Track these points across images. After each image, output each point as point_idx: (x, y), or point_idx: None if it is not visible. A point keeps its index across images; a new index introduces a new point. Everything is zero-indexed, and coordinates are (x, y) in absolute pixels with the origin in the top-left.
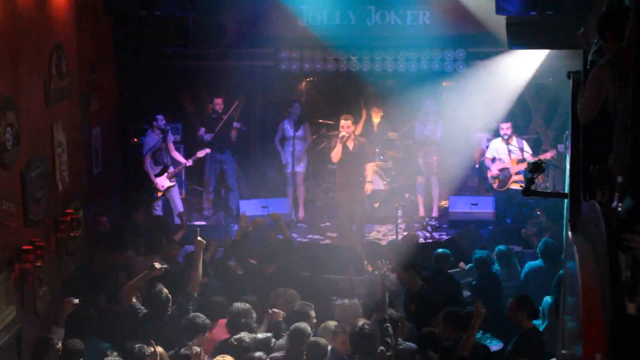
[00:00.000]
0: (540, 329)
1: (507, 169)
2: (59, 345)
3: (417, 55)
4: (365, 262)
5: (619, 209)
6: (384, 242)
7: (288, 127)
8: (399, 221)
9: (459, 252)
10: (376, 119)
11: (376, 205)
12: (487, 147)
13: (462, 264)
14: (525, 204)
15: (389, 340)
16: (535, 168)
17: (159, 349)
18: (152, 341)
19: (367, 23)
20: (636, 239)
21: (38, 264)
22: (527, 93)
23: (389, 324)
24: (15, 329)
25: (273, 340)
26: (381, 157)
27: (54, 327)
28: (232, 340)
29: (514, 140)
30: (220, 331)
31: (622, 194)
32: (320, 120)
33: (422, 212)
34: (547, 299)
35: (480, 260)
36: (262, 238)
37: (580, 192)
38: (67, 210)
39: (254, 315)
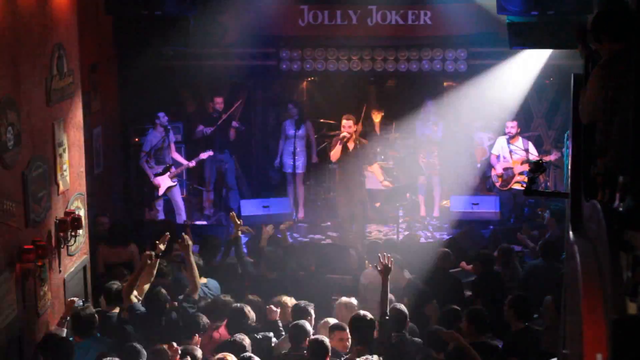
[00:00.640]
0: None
1: (510, 168)
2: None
3: (418, 55)
4: (367, 262)
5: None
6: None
7: (289, 127)
8: (400, 221)
9: (460, 251)
10: (377, 118)
11: (377, 205)
12: (488, 146)
13: (463, 263)
14: (527, 204)
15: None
16: (537, 168)
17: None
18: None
19: (368, 23)
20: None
21: (39, 263)
22: (529, 93)
23: (387, 316)
24: (16, 329)
25: (274, 340)
26: (382, 157)
27: (56, 327)
28: (232, 340)
29: (520, 141)
30: (225, 331)
31: (623, 193)
32: (322, 120)
33: (423, 212)
34: (548, 298)
35: (481, 259)
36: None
37: (581, 191)
38: (68, 210)
39: (253, 315)
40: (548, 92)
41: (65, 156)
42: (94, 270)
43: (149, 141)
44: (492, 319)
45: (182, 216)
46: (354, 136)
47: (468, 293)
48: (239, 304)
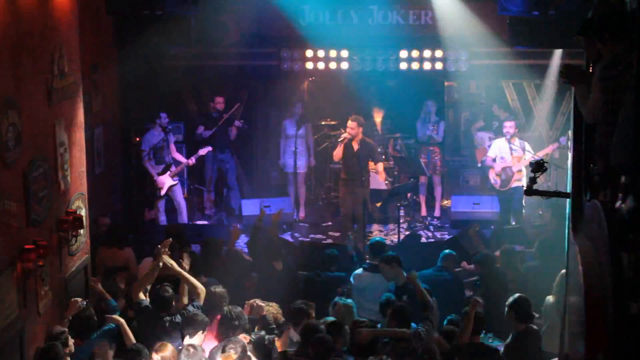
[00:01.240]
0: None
1: (509, 167)
2: (71, 342)
3: (419, 55)
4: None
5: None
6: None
7: (289, 127)
8: (401, 221)
9: (461, 251)
10: (378, 118)
11: (378, 204)
12: (489, 146)
13: (464, 263)
14: (527, 204)
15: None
16: (538, 167)
17: (170, 347)
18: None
19: (369, 22)
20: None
21: (40, 263)
22: (529, 92)
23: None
24: (17, 328)
25: (267, 337)
26: (383, 157)
27: (57, 327)
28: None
29: (517, 141)
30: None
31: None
32: (323, 123)
33: (424, 212)
34: (549, 298)
35: (482, 259)
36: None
37: (583, 191)
38: (69, 210)
39: (246, 316)
40: (548, 92)
41: (66, 156)
42: (93, 272)
43: (148, 140)
44: (493, 320)
45: (183, 216)
46: (359, 136)
47: (469, 293)
48: (229, 307)
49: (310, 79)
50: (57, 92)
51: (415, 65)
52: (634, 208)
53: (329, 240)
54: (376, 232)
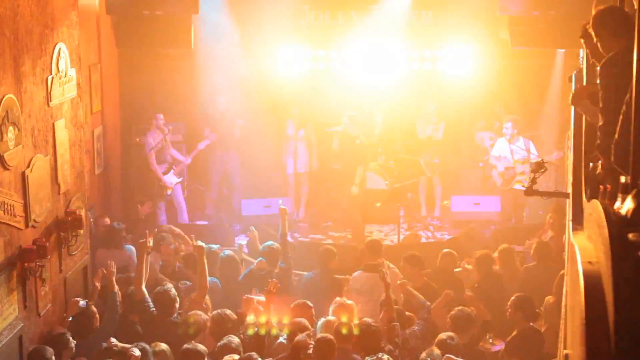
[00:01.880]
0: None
1: (512, 168)
2: (72, 343)
3: (419, 54)
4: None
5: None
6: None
7: (290, 127)
8: (401, 221)
9: (461, 251)
10: (378, 118)
11: (378, 205)
12: (489, 146)
13: (464, 263)
14: (529, 204)
15: (397, 340)
16: (538, 168)
17: (164, 346)
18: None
19: (369, 22)
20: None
21: (40, 263)
22: (529, 93)
23: (396, 323)
24: (17, 328)
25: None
26: (383, 157)
27: (57, 327)
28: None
29: (521, 141)
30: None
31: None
32: (322, 121)
33: (424, 212)
34: (549, 299)
35: (481, 259)
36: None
37: (582, 191)
38: (69, 210)
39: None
40: (549, 92)
41: (66, 156)
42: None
43: (149, 143)
44: (492, 319)
45: (183, 216)
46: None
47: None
48: (219, 311)
49: (310, 79)
50: (57, 92)
51: (415, 65)
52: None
53: (329, 241)
54: (376, 233)
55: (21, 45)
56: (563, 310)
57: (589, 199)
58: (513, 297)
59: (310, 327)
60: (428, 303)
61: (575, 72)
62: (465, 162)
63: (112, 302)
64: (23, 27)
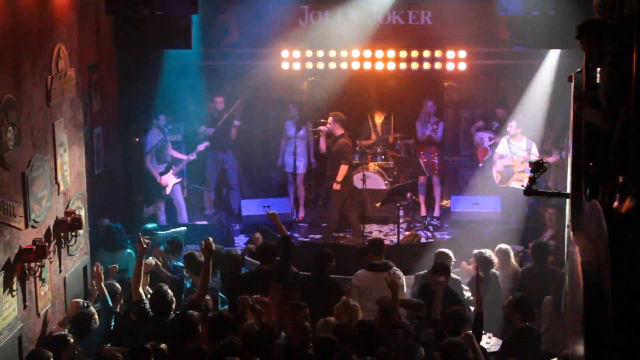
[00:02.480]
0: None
1: (510, 166)
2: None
3: (418, 55)
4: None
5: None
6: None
7: (290, 127)
8: (401, 221)
9: (461, 251)
10: (378, 119)
11: (377, 205)
12: (489, 146)
13: (463, 263)
14: (528, 204)
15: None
16: (537, 167)
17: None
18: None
19: (369, 23)
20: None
21: (39, 263)
22: (529, 93)
23: (399, 329)
24: (16, 329)
25: None
26: (382, 157)
27: (56, 327)
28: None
29: (523, 141)
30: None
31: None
32: (322, 120)
33: (423, 212)
34: (547, 299)
35: (482, 259)
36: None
37: (582, 191)
38: (69, 210)
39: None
40: (548, 93)
41: (66, 156)
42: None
43: (150, 141)
44: (491, 320)
45: (183, 216)
46: (337, 133)
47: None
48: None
49: (310, 79)
50: (56, 92)
51: (415, 65)
52: (633, 208)
53: (329, 241)
54: (375, 233)
55: (20, 45)
56: (563, 309)
57: (588, 199)
58: (511, 297)
59: (309, 327)
60: (422, 302)
61: (575, 72)
62: (464, 162)
63: (103, 307)
64: (22, 27)
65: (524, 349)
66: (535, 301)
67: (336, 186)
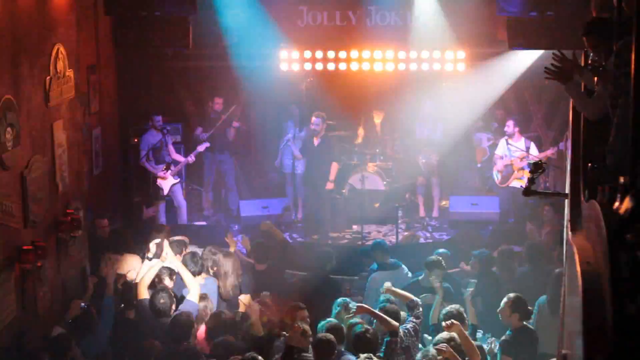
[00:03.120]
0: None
1: (510, 165)
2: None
3: (417, 55)
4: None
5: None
6: None
7: (290, 128)
8: (399, 221)
9: (459, 252)
10: (377, 119)
11: (376, 205)
12: (488, 146)
13: (462, 264)
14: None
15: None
16: (536, 168)
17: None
18: None
19: (367, 24)
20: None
21: (38, 264)
22: (527, 93)
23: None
24: (16, 329)
25: None
26: (381, 158)
27: (56, 327)
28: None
29: (522, 141)
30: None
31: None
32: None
33: (422, 213)
34: (542, 299)
35: (479, 260)
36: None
37: (581, 192)
38: (68, 211)
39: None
40: (547, 92)
41: (65, 157)
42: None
43: (147, 141)
44: (490, 320)
45: (183, 216)
46: (322, 133)
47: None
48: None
49: (309, 79)
50: (55, 93)
51: (414, 66)
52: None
53: (328, 241)
54: (374, 233)
55: (19, 46)
56: (561, 309)
57: (587, 199)
58: (509, 297)
59: (309, 328)
60: (418, 300)
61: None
62: (463, 163)
63: (107, 306)
64: (21, 28)
65: (523, 349)
66: (531, 304)
67: (329, 185)
